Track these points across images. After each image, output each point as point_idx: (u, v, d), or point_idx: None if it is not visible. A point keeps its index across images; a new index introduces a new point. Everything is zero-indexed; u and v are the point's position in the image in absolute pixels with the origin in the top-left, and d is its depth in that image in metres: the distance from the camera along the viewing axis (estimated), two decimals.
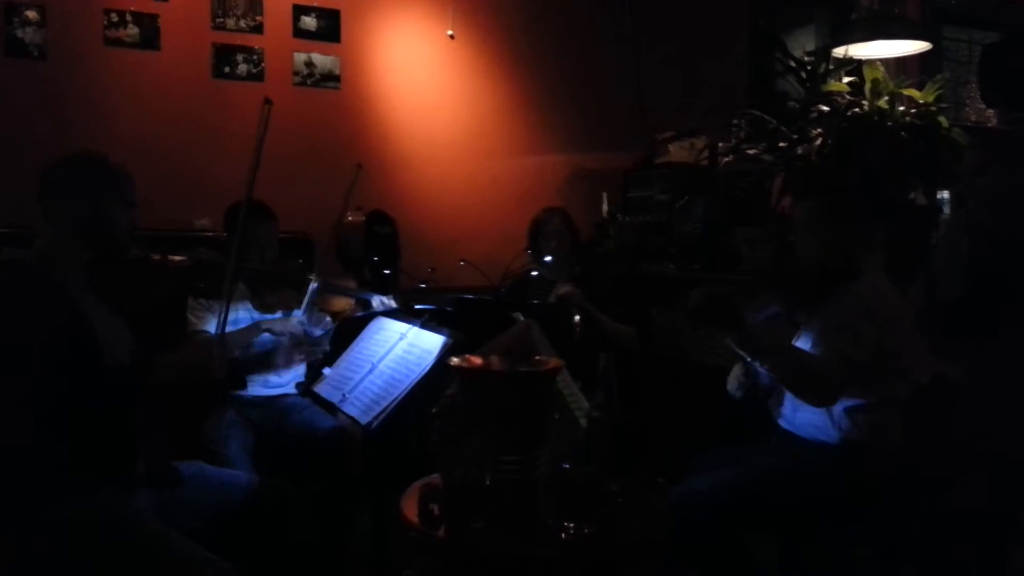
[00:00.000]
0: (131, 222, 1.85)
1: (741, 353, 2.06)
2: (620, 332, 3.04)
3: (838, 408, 2.03)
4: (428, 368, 2.08)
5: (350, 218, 3.56)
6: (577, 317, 2.80)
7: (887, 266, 2.20)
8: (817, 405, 2.04)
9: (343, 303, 2.78)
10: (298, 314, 2.57)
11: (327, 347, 2.67)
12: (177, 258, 1.99)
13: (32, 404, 1.61)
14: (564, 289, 3.02)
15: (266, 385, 2.65)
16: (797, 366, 2.03)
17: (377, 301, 2.73)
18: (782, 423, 2.22)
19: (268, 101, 2.06)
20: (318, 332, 2.72)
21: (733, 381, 2.29)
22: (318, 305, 2.70)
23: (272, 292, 2.61)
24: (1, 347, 1.60)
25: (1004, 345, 2.22)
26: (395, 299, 2.78)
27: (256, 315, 2.60)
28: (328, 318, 2.76)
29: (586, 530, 1.54)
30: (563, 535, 1.54)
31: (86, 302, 1.73)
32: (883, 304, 2.05)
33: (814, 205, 2.24)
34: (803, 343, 2.13)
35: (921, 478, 2.06)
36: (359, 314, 2.68)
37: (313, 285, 2.54)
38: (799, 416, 2.14)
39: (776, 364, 2.03)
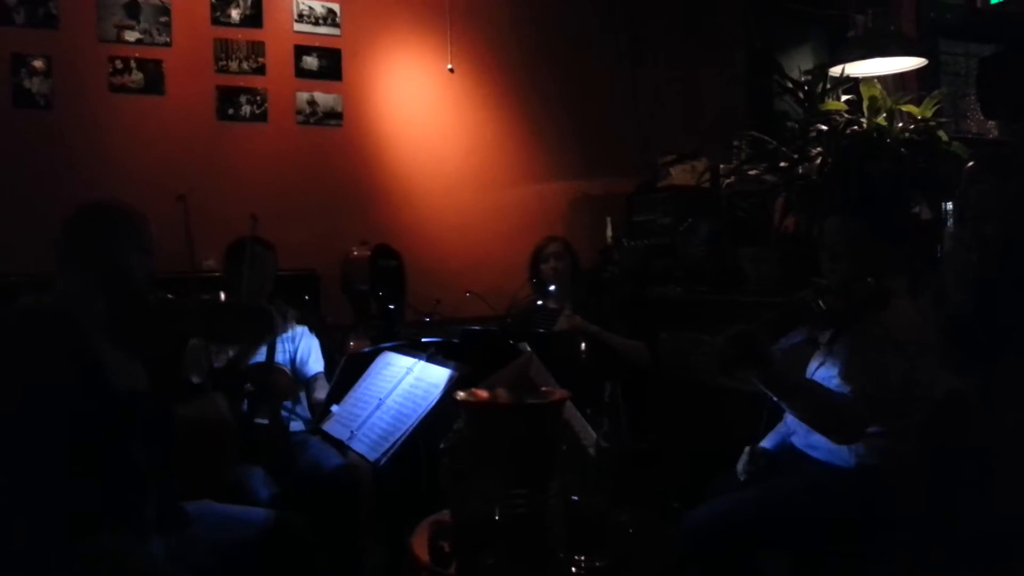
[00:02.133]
0: (149, 270, 1.87)
1: (767, 392, 1.98)
2: (631, 348, 3.04)
3: None
4: (435, 402, 2.09)
5: (355, 253, 3.58)
6: (583, 344, 2.81)
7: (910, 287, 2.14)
8: (839, 443, 2.00)
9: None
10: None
11: None
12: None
13: (46, 448, 1.62)
14: (567, 320, 3.03)
15: None
16: (822, 407, 1.97)
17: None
18: (796, 442, 2.20)
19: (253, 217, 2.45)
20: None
21: (740, 466, 2.22)
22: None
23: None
24: (20, 389, 1.62)
25: (1016, 358, 2.21)
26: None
27: None
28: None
29: (597, 563, 1.53)
30: (574, 568, 1.52)
31: (103, 349, 1.74)
32: (911, 334, 1.98)
33: (846, 221, 2.14)
34: (826, 370, 2.08)
35: (936, 496, 2.04)
36: (366, 350, 2.69)
37: None
38: (813, 437, 2.10)
39: (802, 405, 1.97)
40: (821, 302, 1.92)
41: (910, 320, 2.02)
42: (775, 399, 2.01)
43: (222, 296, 2.53)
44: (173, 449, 1.94)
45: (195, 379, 2.36)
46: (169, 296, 2.00)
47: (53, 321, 1.71)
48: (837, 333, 2.01)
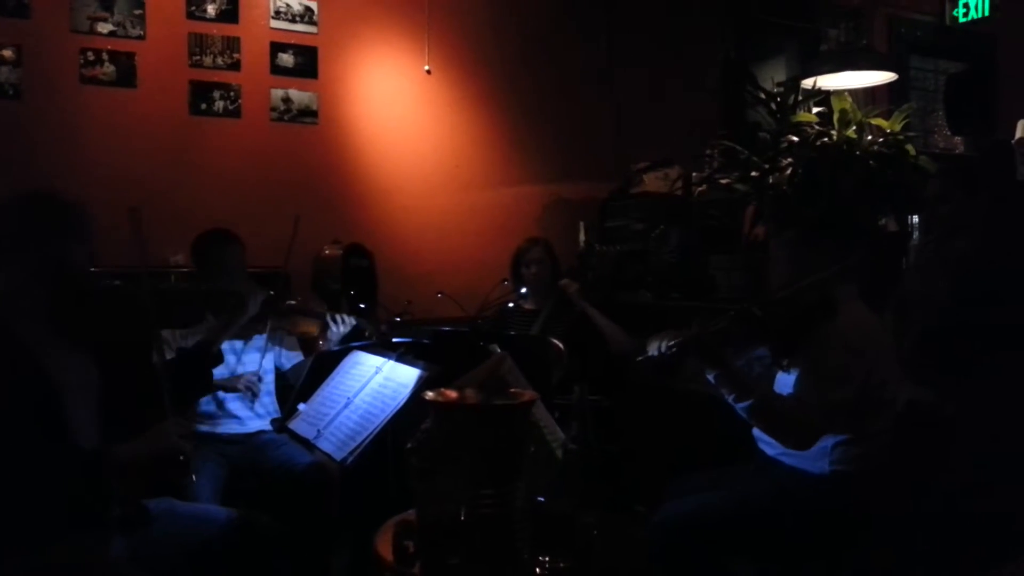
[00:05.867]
0: (88, 258, 1.79)
1: (722, 393, 2.01)
2: (613, 332, 3.06)
3: (828, 442, 2.00)
4: (404, 402, 2.08)
5: (327, 252, 3.56)
6: (562, 345, 2.81)
7: (862, 294, 2.18)
8: (794, 449, 2.02)
9: (310, 325, 2.79)
10: (258, 341, 2.65)
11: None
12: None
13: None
14: (566, 282, 3.07)
15: (242, 424, 2.63)
16: (776, 414, 2.00)
17: (334, 320, 2.75)
18: (766, 449, 2.21)
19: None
20: (288, 364, 2.74)
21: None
22: (285, 328, 2.75)
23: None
24: None
25: (990, 373, 2.24)
26: (364, 322, 2.80)
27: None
28: (296, 342, 2.82)
29: (562, 564, 1.53)
30: (539, 569, 1.53)
31: (47, 345, 1.68)
32: (866, 336, 2.02)
33: (785, 238, 2.22)
34: (786, 384, 2.10)
35: (905, 506, 2.06)
36: (335, 347, 2.67)
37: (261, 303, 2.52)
38: None
39: (755, 410, 1.99)
40: (755, 309, 2.00)
41: (864, 325, 2.06)
42: (731, 401, 2.01)
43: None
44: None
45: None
46: (118, 284, 1.93)
47: None
48: (794, 347, 2.06)
